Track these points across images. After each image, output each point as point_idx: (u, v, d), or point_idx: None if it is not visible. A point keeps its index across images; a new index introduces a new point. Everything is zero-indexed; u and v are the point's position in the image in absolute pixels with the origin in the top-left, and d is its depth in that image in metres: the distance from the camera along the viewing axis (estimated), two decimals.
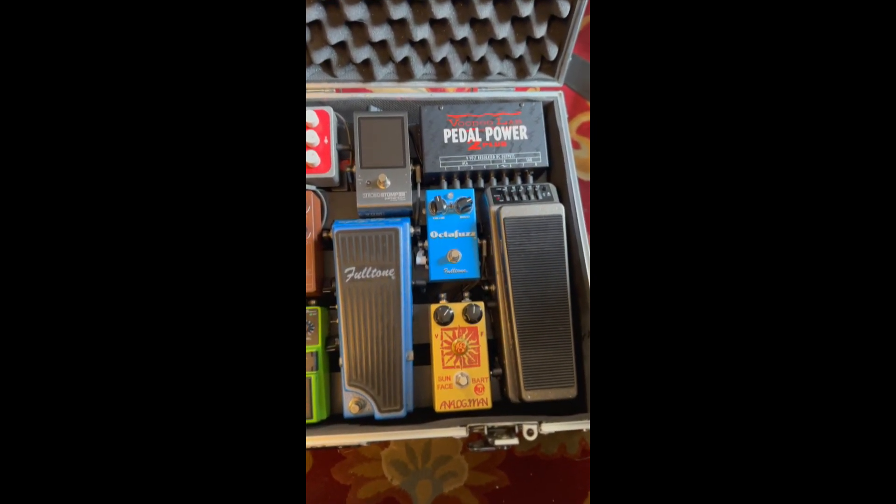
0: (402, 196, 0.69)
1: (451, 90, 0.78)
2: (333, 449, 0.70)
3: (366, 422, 0.62)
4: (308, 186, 0.70)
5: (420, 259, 0.69)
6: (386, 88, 0.74)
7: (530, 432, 0.57)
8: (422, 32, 0.68)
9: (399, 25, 0.68)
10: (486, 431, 0.58)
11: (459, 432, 0.57)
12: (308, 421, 0.61)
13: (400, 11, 0.65)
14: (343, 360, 0.61)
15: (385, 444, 0.71)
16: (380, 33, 0.67)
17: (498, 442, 0.56)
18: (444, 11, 0.66)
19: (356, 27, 0.68)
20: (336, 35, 0.66)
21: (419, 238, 0.70)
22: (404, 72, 0.73)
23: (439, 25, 0.69)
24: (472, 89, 0.78)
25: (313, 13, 0.64)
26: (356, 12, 0.64)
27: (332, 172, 0.69)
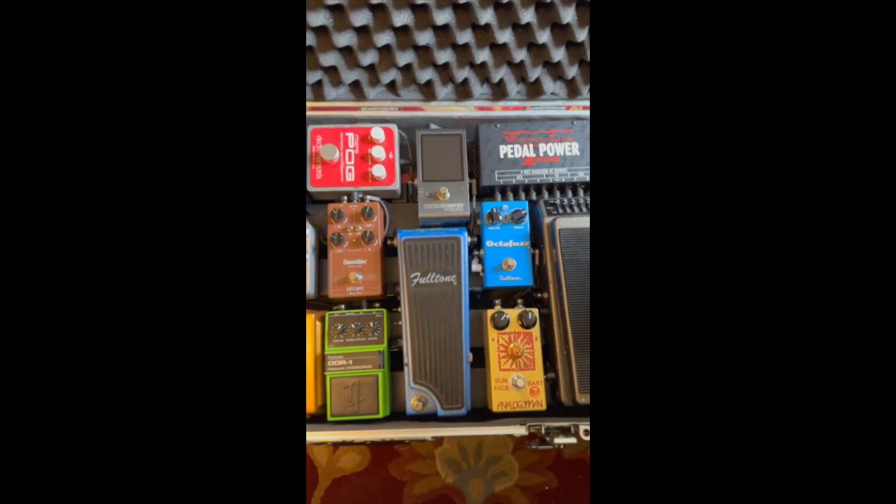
0: (460, 207, 0.73)
1: (497, 108, 0.82)
2: (390, 445, 0.74)
3: (427, 419, 0.66)
4: (372, 198, 0.75)
5: (475, 266, 0.73)
6: (438, 108, 0.79)
7: (587, 432, 0.60)
8: (482, 56, 0.73)
9: (462, 49, 0.73)
10: (543, 430, 0.61)
11: (519, 430, 0.61)
12: (373, 416, 0.65)
13: (464, 37, 0.70)
14: (409, 360, 0.65)
15: (440, 442, 0.74)
16: (444, 56, 0.72)
17: (556, 440, 0.59)
18: (504, 37, 0.71)
19: (422, 51, 0.74)
20: (403, 58, 0.72)
21: (474, 247, 0.74)
22: (463, 91, 0.78)
23: (498, 49, 0.74)
24: (525, 107, 0.82)
25: (384, 38, 0.70)
26: (424, 38, 0.70)
27: (396, 185, 0.74)
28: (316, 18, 0.67)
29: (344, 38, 0.69)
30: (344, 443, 0.72)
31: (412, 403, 0.66)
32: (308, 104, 0.77)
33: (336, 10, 0.68)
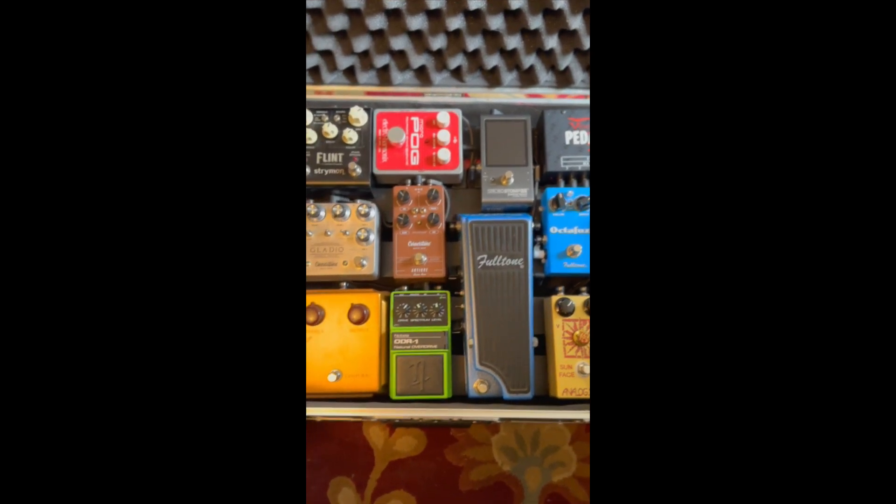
0: (524, 193, 0.73)
1: (548, 96, 0.82)
2: (446, 430, 0.74)
3: (490, 401, 0.65)
4: (435, 182, 0.75)
5: (537, 253, 0.73)
6: (502, 94, 0.79)
7: None
8: (551, 42, 0.73)
9: (530, 36, 0.73)
10: None
11: (586, 416, 0.60)
12: (438, 396, 0.65)
13: (535, 22, 0.70)
14: (474, 341, 0.64)
15: (496, 429, 0.73)
16: (512, 42, 0.73)
17: None
18: (575, 23, 0.71)
19: (489, 36, 0.74)
20: (473, 43, 0.73)
21: (536, 233, 0.74)
22: (527, 78, 0.78)
23: (567, 36, 0.74)
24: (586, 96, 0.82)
25: (456, 22, 0.70)
26: (495, 22, 0.70)
27: (459, 169, 0.74)
28: (391, 1, 0.68)
29: (416, 22, 0.70)
30: (403, 422, 0.72)
31: (475, 386, 0.65)
32: (372, 88, 0.78)
33: None
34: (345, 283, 0.72)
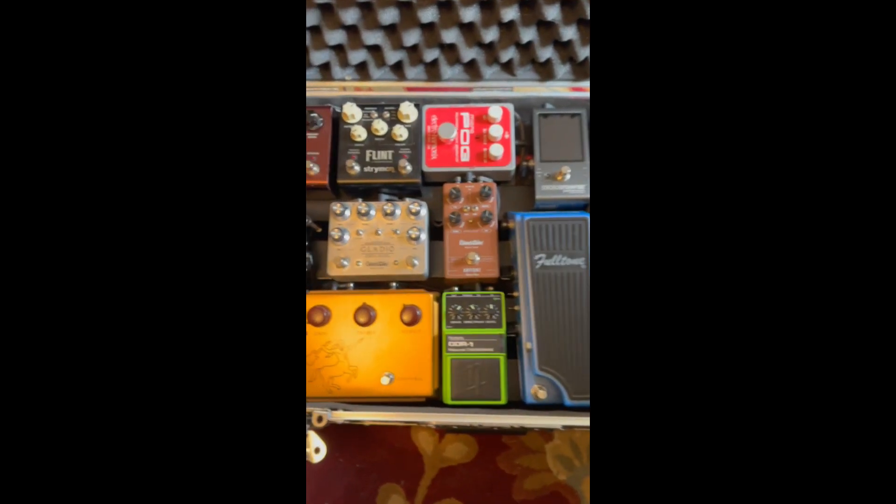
0: (580, 189, 0.70)
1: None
2: (498, 437, 0.71)
3: (547, 408, 0.62)
4: (485, 179, 0.73)
5: None
6: (555, 87, 0.76)
7: None
8: None
9: (584, 26, 0.71)
10: None
11: None
12: (495, 402, 0.62)
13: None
14: (532, 345, 0.62)
15: (550, 437, 0.70)
16: (568, 33, 0.70)
17: None
18: None
19: (543, 27, 0.71)
20: (527, 34, 0.70)
21: None
22: (581, 71, 0.75)
23: None
24: None
25: (510, 13, 0.68)
26: (551, 13, 0.67)
27: (511, 165, 0.72)
28: None
29: (469, 14, 0.68)
30: (462, 429, 0.70)
31: (533, 391, 0.62)
32: (422, 84, 0.76)
33: None
34: (394, 284, 0.70)
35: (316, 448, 0.58)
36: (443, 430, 0.73)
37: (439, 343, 0.65)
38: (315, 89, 0.77)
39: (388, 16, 0.69)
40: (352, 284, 0.70)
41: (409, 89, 0.77)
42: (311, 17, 0.69)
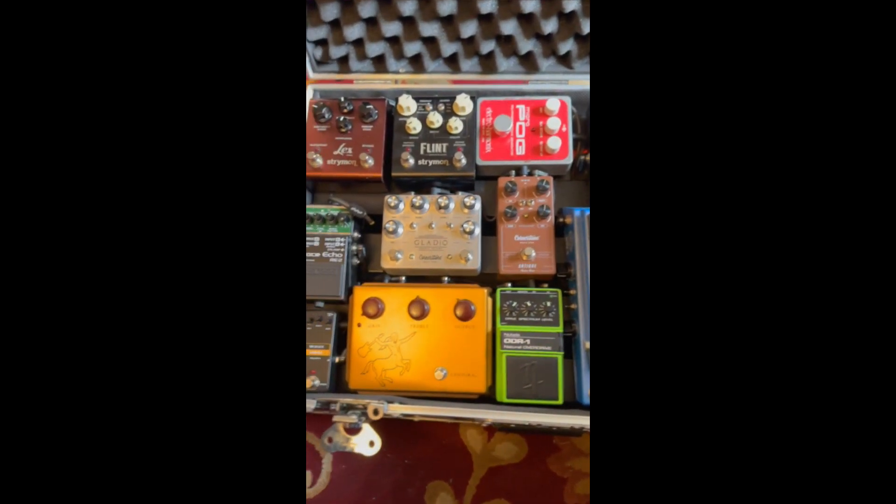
0: None
1: None
2: (548, 438, 0.69)
3: None
4: (541, 173, 0.71)
5: None
6: None
7: None
8: None
9: None
10: None
11: None
12: (552, 402, 0.60)
13: None
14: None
15: None
16: None
17: None
18: None
19: None
20: (588, 25, 0.68)
21: None
22: None
23: None
24: None
25: (572, 4, 0.66)
26: None
27: (568, 159, 0.70)
28: None
29: (529, 5, 0.66)
30: (521, 427, 0.68)
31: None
32: (477, 76, 0.75)
33: None
34: (446, 278, 0.69)
35: (370, 441, 0.57)
36: (492, 429, 0.71)
37: (493, 339, 0.64)
38: (365, 82, 0.77)
39: (447, 7, 0.68)
40: (403, 278, 0.70)
41: (456, 82, 0.76)
42: (368, 9, 0.69)
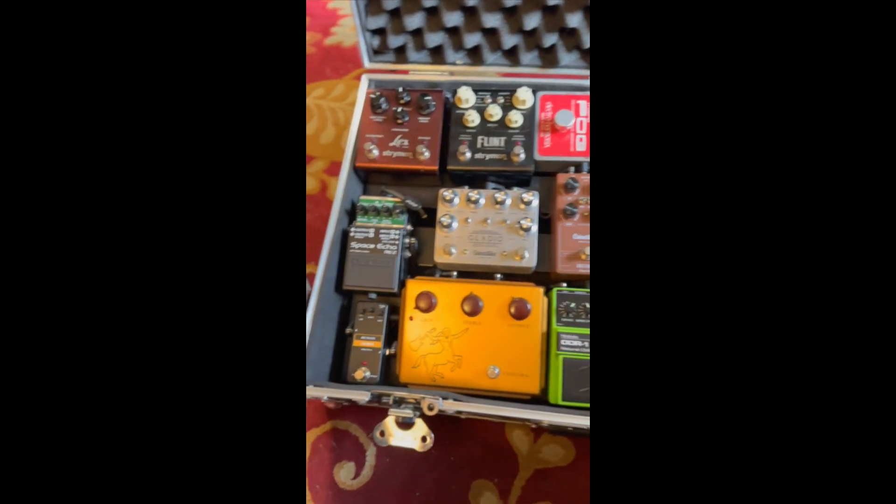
0: None
1: None
2: None
3: None
4: None
5: None
6: None
7: None
8: None
9: None
10: None
11: None
12: None
13: None
14: None
15: None
16: None
17: None
18: None
19: None
20: None
21: None
22: None
23: None
24: None
25: None
26: None
27: None
28: None
29: None
30: (561, 431, 0.67)
31: None
32: (536, 70, 0.73)
33: None
34: (498, 275, 0.68)
35: (423, 437, 0.57)
36: (539, 431, 0.70)
37: (547, 340, 0.63)
38: (420, 73, 0.76)
39: None
40: (455, 273, 0.69)
41: (509, 74, 0.74)
42: None
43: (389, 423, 0.58)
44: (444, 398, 0.57)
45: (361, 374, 0.64)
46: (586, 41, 0.69)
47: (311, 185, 0.92)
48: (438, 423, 0.69)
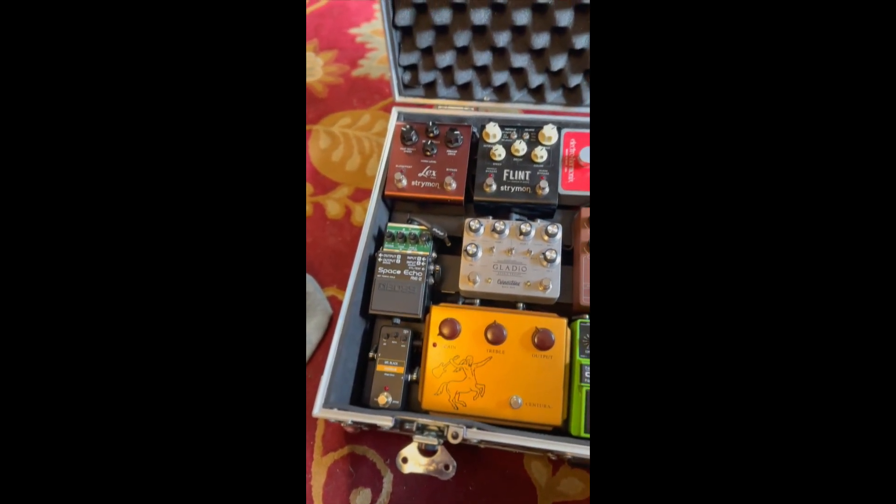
0: None
1: None
2: None
3: None
4: None
5: None
6: None
7: None
8: None
9: None
10: None
11: None
12: None
13: None
14: None
15: None
16: None
17: None
18: None
19: None
20: None
21: None
22: None
23: None
24: None
25: None
26: None
27: None
28: (562, 17, 0.66)
29: None
30: (580, 463, 0.67)
31: None
32: (560, 108, 0.77)
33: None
34: (521, 305, 0.69)
35: (446, 465, 0.57)
36: (557, 463, 0.69)
37: (569, 371, 0.63)
38: (447, 108, 0.79)
39: (540, 40, 0.70)
40: (478, 301, 0.70)
41: (534, 112, 0.77)
42: (463, 39, 0.72)
43: (412, 449, 0.58)
44: (469, 426, 0.57)
45: (384, 398, 0.65)
46: None
47: (336, 209, 0.94)
48: (456, 450, 0.69)
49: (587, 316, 0.66)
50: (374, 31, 1.20)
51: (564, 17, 0.68)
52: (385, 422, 0.59)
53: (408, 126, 0.75)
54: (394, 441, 0.72)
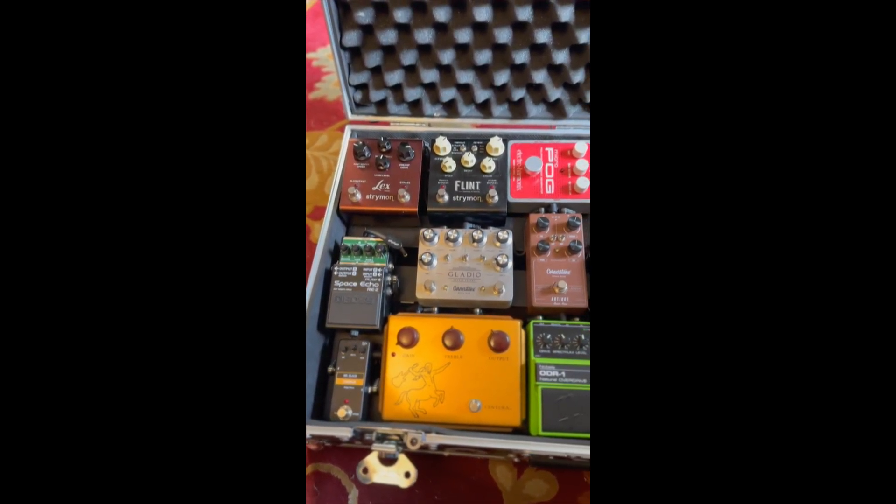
0: None
1: None
2: (580, 475, 0.68)
3: None
4: (569, 211, 0.74)
5: None
6: None
7: None
8: None
9: None
10: None
11: None
12: (587, 436, 0.60)
13: None
14: None
15: None
16: None
17: None
18: None
19: None
20: None
21: None
22: None
23: None
24: None
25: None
26: None
27: None
28: (540, 36, 0.70)
29: (560, 56, 0.72)
30: (545, 464, 0.67)
31: None
32: (507, 122, 0.80)
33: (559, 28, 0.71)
34: (477, 310, 0.71)
35: (406, 472, 0.57)
36: (522, 466, 0.70)
37: (525, 372, 0.65)
38: (400, 124, 0.81)
39: (483, 57, 0.74)
40: (436, 308, 0.71)
41: (484, 126, 0.81)
42: (410, 57, 0.75)
43: (372, 459, 0.58)
44: (427, 432, 0.57)
45: (344, 412, 0.64)
46: (552, 95, 0.77)
47: None
48: (422, 461, 0.68)
49: (540, 317, 0.68)
50: (329, 56, 1.23)
51: (503, 35, 0.72)
52: (344, 433, 0.59)
53: (360, 142, 0.76)
54: (358, 456, 0.72)
